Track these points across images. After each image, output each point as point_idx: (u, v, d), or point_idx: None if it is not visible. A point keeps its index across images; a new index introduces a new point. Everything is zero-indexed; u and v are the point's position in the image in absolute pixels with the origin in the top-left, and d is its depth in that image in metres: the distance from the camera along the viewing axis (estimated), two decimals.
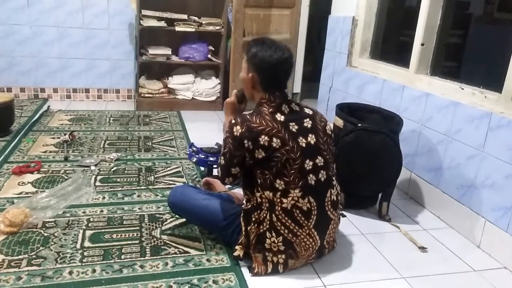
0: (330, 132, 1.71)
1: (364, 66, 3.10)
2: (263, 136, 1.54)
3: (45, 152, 2.76)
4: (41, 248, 1.72)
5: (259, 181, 1.58)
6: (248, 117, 1.59)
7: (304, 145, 1.59)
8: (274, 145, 1.54)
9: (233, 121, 1.59)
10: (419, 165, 2.43)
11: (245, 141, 1.54)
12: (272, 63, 1.60)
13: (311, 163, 1.60)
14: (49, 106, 3.77)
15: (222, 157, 1.63)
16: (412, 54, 2.56)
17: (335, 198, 1.69)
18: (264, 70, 1.62)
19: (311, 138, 1.62)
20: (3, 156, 2.63)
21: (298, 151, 1.57)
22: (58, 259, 1.65)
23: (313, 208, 1.60)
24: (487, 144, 1.97)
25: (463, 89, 2.20)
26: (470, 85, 2.20)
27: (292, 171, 1.56)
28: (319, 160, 1.62)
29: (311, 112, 1.69)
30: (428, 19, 2.46)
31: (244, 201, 1.71)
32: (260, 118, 1.58)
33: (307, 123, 1.64)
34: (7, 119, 3.02)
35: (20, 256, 1.66)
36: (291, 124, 1.60)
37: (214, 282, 1.59)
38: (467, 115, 2.09)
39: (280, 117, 1.59)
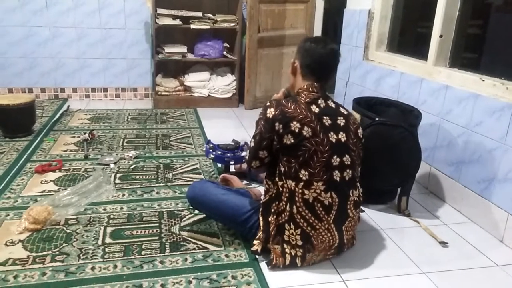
0: (361, 136, 1.72)
1: (381, 59, 3.06)
2: (295, 122, 1.55)
3: (66, 151, 2.81)
4: (64, 244, 1.76)
5: (283, 169, 1.59)
6: (283, 102, 1.62)
7: (334, 140, 1.59)
8: (305, 133, 1.55)
9: (268, 104, 1.62)
10: (438, 159, 2.39)
11: (277, 124, 1.56)
12: (312, 48, 1.64)
13: (338, 159, 1.60)
14: (69, 106, 3.85)
15: (252, 139, 1.66)
16: (430, 46, 2.52)
17: (357, 199, 1.69)
18: (306, 54, 1.66)
19: (342, 136, 1.62)
20: (26, 156, 2.69)
21: (327, 145, 1.57)
22: (81, 255, 1.69)
23: (334, 204, 1.60)
24: (510, 136, 1.92)
25: (483, 80, 2.15)
26: (491, 76, 2.15)
27: (318, 164, 1.56)
28: (347, 159, 1.62)
29: (346, 112, 1.70)
30: (446, 9, 2.41)
31: (263, 192, 1.72)
32: (295, 105, 1.59)
33: (340, 121, 1.65)
34: (29, 119, 3.10)
35: (44, 253, 1.70)
36: (324, 117, 1.61)
37: (233, 277, 1.60)
38: (488, 107, 2.04)
39: (315, 109, 1.61)
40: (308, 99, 1.62)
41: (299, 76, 1.68)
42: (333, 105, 1.68)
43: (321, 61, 1.65)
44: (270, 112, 1.58)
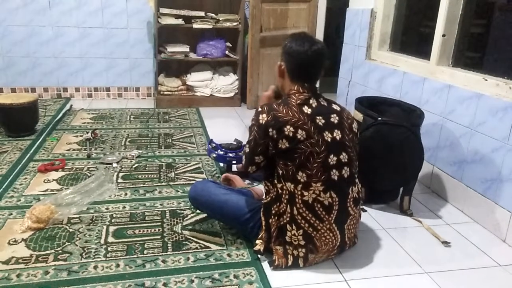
0: (356, 130, 1.70)
1: (383, 59, 3.05)
2: (288, 127, 1.54)
3: (68, 150, 2.82)
4: (67, 243, 1.77)
5: (281, 172, 1.58)
6: (275, 106, 1.60)
7: (329, 139, 1.59)
8: (299, 136, 1.54)
9: (259, 109, 1.61)
10: (441, 158, 2.38)
11: (270, 130, 1.55)
12: (299, 52, 1.60)
13: (335, 158, 1.59)
14: (71, 105, 3.85)
15: (247, 145, 1.65)
16: (433, 46, 2.51)
17: (356, 196, 1.68)
18: (291, 59, 1.63)
19: (337, 134, 1.61)
20: (28, 155, 2.70)
21: (322, 145, 1.57)
22: (83, 254, 1.70)
23: (334, 203, 1.60)
24: None
25: (486, 80, 2.15)
26: (494, 76, 2.14)
27: (315, 165, 1.56)
28: (343, 156, 1.61)
29: (338, 108, 1.68)
30: (449, 9, 2.41)
31: (264, 194, 1.71)
32: (287, 108, 1.58)
33: (334, 118, 1.63)
34: (32, 118, 3.10)
35: (47, 251, 1.71)
36: (317, 117, 1.59)
37: (235, 276, 1.60)
38: (491, 106, 2.04)
39: (307, 110, 1.59)
40: (299, 101, 1.60)
41: (287, 78, 1.66)
42: (325, 103, 1.66)
43: (307, 64, 1.62)
44: (263, 118, 1.57)
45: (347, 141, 1.64)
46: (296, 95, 1.62)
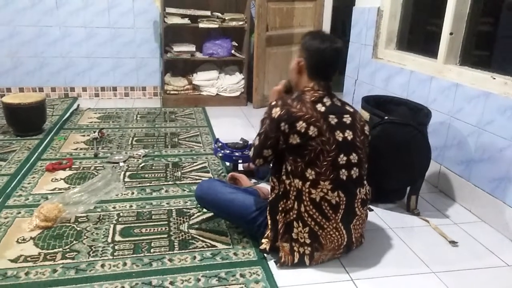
0: (367, 133, 1.70)
1: (390, 57, 3.04)
2: (301, 122, 1.54)
3: (76, 149, 2.84)
4: (74, 242, 1.78)
5: (289, 168, 1.58)
6: (289, 101, 1.60)
7: (340, 139, 1.58)
8: (311, 133, 1.54)
9: (273, 103, 1.61)
10: (448, 157, 2.37)
11: (282, 124, 1.55)
12: (320, 49, 1.62)
13: (345, 158, 1.59)
14: (78, 105, 3.88)
15: (257, 137, 1.65)
16: (440, 44, 2.49)
17: (364, 197, 1.68)
18: (311, 56, 1.64)
19: (348, 134, 1.61)
20: (36, 154, 2.72)
21: (333, 144, 1.56)
22: (91, 253, 1.71)
23: (342, 203, 1.60)
24: None
25: (494, 78, 2.13)
26: (502, 74, 2.12)
27: (325, 163, 1.55)
28: (353, 157, 1.61)
29: (352, 110, 1.68)
30: (456, 7, 2.39)
31: (269, 190, 1.71)
32: (301, 104, 1.58)
33: (347, 119, 1.63)
34: (39, 118, 3.13)
35: (55, 250, 1.72)
36: (330, 116, 1.59)
37: (241, 275, 1.60)
38: (499, 105, 2.02)
39: (320, 108, 1.59)
40: (314, 98, 1.61)
41: (304, 75, 1.66)
42: (339, 103, 1.67)
43: (327, 62, 1.64)
44: (276, 112, 1.57)
45: (358, 143, 1.64)
46: (311, 92, 1.62)
